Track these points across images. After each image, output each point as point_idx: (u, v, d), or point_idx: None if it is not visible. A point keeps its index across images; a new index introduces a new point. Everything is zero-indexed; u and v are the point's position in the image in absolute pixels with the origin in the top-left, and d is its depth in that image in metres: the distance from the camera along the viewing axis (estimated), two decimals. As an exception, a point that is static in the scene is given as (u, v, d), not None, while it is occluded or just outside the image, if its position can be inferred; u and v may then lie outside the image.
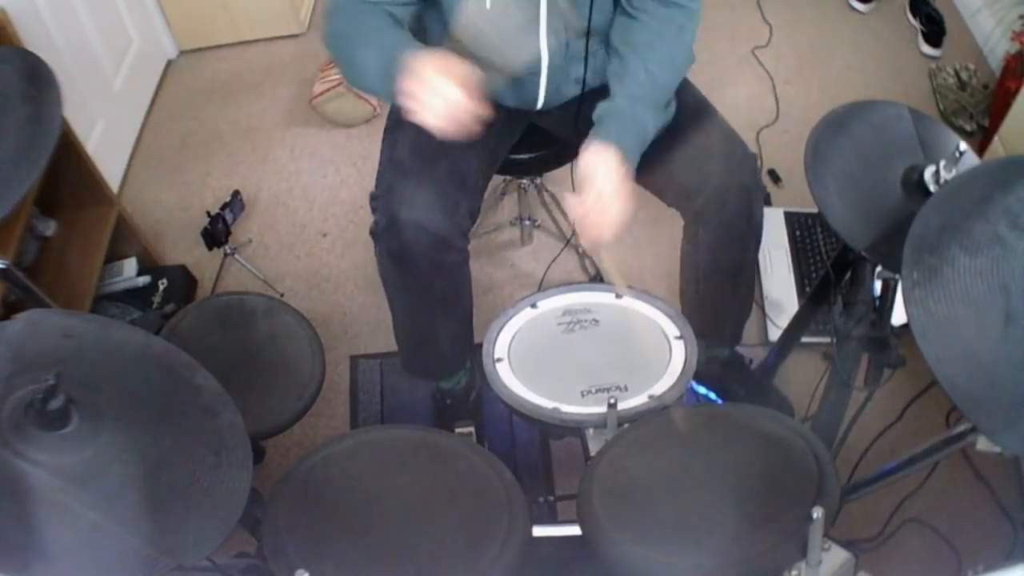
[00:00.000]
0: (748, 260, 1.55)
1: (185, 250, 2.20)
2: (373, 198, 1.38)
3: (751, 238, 1.49)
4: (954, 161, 1.10)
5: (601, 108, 1.30)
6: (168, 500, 0.82)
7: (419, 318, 1.54)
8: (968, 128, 2.36)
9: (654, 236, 2.12)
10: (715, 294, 1.59)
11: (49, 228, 1.90)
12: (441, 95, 1.08)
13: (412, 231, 1.31)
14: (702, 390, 1.77)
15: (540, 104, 1.44)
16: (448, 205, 1.33)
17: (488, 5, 1.23)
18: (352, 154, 2.41)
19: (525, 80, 1.38)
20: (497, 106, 1.42)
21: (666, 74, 1.32)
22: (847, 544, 0.91)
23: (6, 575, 0.72)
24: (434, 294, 1.45)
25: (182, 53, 2.75)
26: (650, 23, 1.31)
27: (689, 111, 1.43)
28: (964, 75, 2.46)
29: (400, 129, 1.42)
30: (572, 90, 1.43)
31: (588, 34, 1.34)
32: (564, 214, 2.11)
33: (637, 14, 1.32)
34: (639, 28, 1.32)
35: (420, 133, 1.35)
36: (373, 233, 1.38)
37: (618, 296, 1.37)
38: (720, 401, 1.76)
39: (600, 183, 1.19)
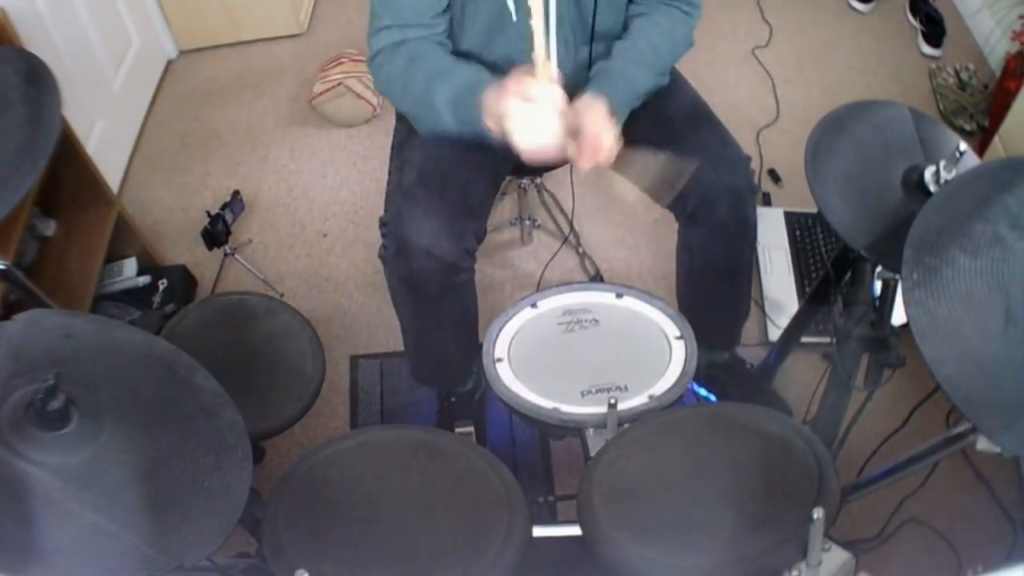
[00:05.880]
0: (742, 263, 1.55)
1: (185, 250, 2.20)
2: (383, 223, 1.39)
3: (744, 241, 1.48)
4: (954, 161, 1.10)
5: (597, 66, 1.31)
6: (168, 500, 0.82)
7: (430, 335, 1.55)
8: (968, 128, 2.36)
9: (654, 236, 2.12)
10: (710, 297, 1.59)
11: (49, 228, 1.90)
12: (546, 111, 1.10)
13: (422, 258, 1.33)
14: (702, 391, 1.77)
15: None
16: (456, 232, 1.34)
17: (514, 17, 1.25)
18: (352, 154, 2.41)
19: None
20: None
21: (665, 45, 1.35)
22: (847, 544, 0.91)
23: (6, 575, 0.72)
24: (443, 312, 1.47)
25: (182, 53, 2.75)
26: (654, 13, 1.35)
27: (684, 113, 1.43)
28: (964, 75, 2.46)
29: (407, 150, 1.42)
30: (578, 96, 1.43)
31: (592, 40, 1.34)
32: (564, 213, 2.11)
33: (643, 10, 1.35)
34: (644, 14, 1.35)
35: (427, 158, 1.35)
36: (383, 258, 1.39)
37: (619, 296, 1.37)
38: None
39: (590, 123, 1.18)
